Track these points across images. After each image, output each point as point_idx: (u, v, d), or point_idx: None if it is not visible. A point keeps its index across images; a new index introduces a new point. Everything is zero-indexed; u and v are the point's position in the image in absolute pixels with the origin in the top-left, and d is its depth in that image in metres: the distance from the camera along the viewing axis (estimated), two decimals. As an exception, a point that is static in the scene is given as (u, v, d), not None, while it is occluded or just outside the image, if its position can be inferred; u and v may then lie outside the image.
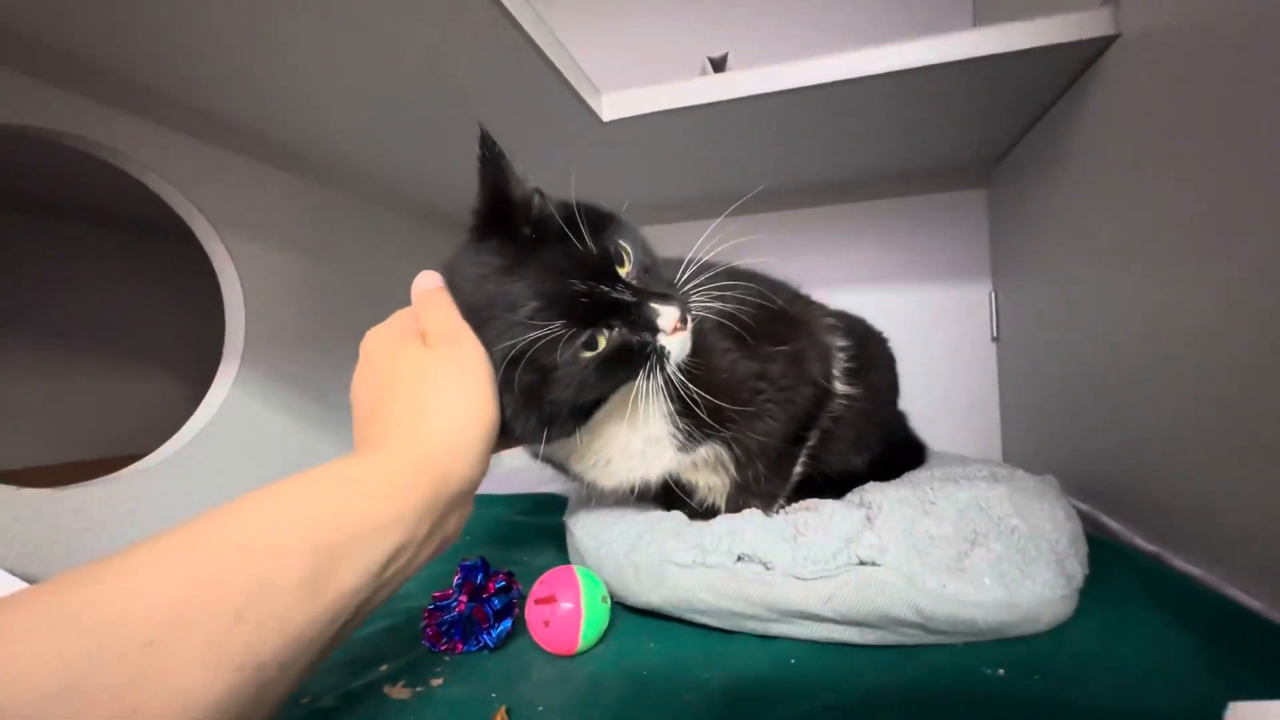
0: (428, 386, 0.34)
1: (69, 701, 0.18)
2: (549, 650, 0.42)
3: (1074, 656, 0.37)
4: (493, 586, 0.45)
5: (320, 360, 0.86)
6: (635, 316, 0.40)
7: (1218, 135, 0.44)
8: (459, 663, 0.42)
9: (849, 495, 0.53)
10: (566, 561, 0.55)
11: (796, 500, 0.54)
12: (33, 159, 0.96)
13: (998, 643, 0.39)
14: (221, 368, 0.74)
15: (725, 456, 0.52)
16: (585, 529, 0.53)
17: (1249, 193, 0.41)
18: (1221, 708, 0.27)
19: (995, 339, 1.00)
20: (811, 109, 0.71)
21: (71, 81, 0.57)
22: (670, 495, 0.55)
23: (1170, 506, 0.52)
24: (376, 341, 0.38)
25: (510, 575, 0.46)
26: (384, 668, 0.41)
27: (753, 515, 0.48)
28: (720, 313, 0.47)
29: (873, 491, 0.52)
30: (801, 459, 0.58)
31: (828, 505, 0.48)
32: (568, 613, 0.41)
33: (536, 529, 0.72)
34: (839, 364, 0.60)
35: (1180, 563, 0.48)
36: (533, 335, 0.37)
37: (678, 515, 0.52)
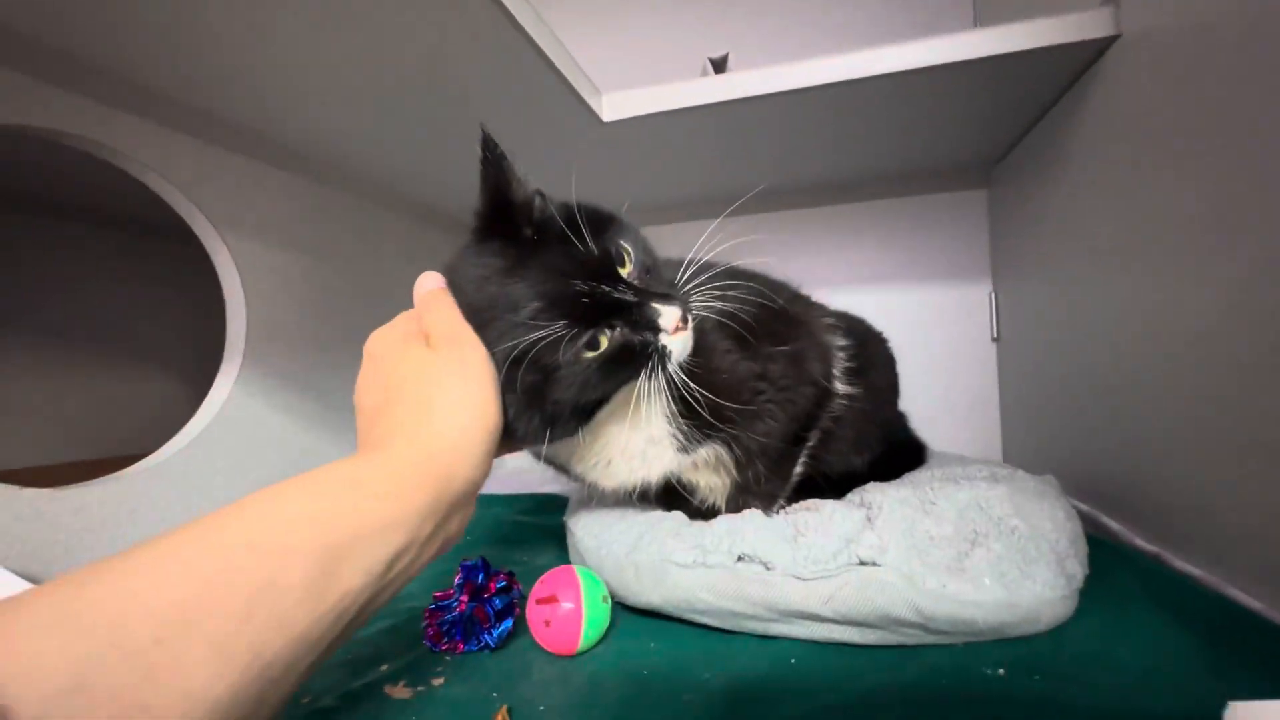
0: (431, 388, 0.34)
1: (79, 698, 0.18)
2: (550, 650, 0.42)
3: (1074, 656, 0.37)
4: (494, 586, 0.45)
5: (321, 360, 0.86)
6: (637, 316, 0.40)
7: (1218, 135, 0.44)
8: (460, 662, 0.42)
9: (849, 495, 0.54)
10: (567, 561, 0.55)
11: (797, 500, 0.54)
12: (33, 159, 0.96)
13: (998, 643, 0.39)
14: (223, 367, 0.74)
15: (726, 457, 0.52)
16: (586, 529, 0.54)
17: (1249, 193, 0.41)
18: (1221, 708, 0.27)
19: (995, 339, 1.00)
20: (812, 110, 0.71)
21: (72, 81, 0.57)
22: (671, 495, 0.55)
23: (1170, 506, 0.52)
24: (380, 343, 0.39)
25: (511, 575, 0.46)
26: (385, 667, 0.41)
27: (753, 515, 0.48)
28: (721, 312, 0.47)
29: (873, 492, 0.52)
30: (802, 459, 0.58)
31: (828, 505, 0.48)
32: (568, 613, 0.41)
33: (537, 529, 0.72)
34: (839, 364, 0.60)
35: (1180, 563, 0.48)
36: (535, 336, 0.37)
37: (678, 515, 0.52)
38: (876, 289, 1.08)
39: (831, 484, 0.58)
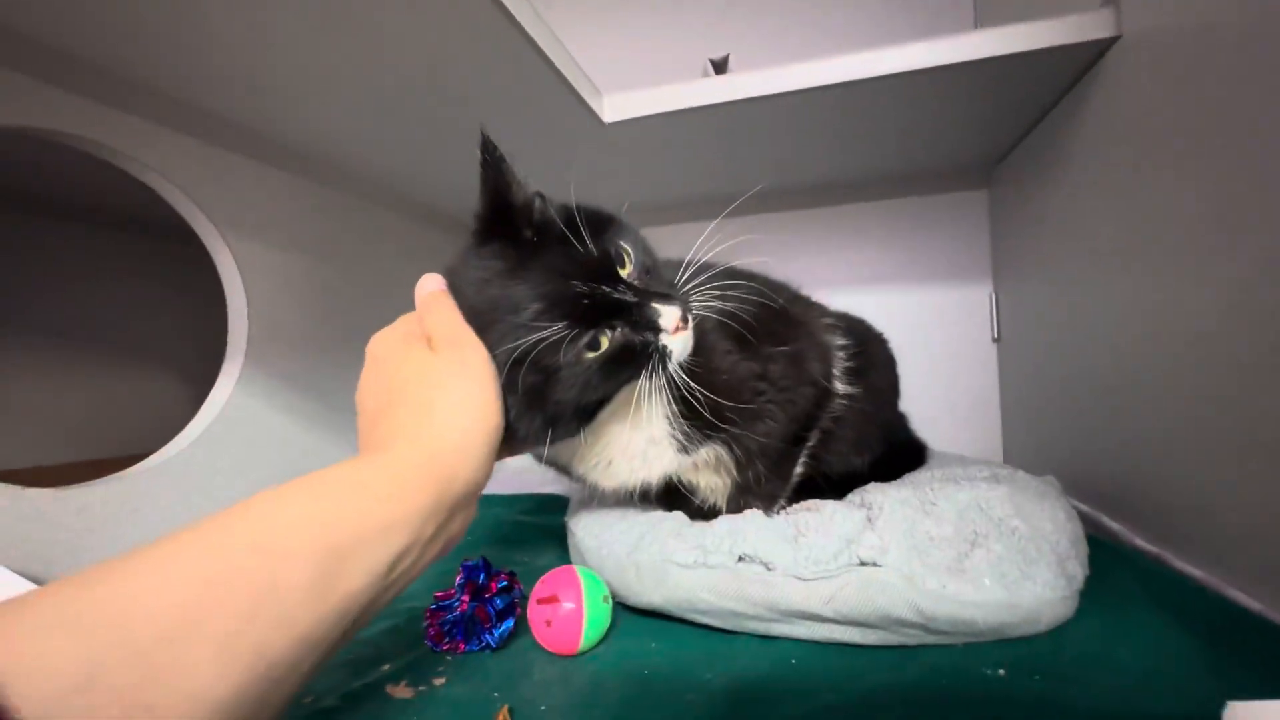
0: (432, 390, 0.34)
1: (84, 698, 0.18)
2: (551, 650, 0.42)
3: (1074, 657, 0.37)
4: (495, 586, 0.45)
5: (323, 360, 0.86)
6: (637, 316, 0.40)
7: (1218, 136, 0.44)
8: (461, 662, 0.42)
9: (850, 496, 0.54)
10: (568, 562, 0.55)
11: (798, 501, 0.54)
12: (33, 159, 0.96)
13: (998, 643, 0.39)
14: (224, 367, 0.74)
15: (726, 457, 0.52)
16: (587, 529, 0.54)
17: (1249, 193, 0.41)
18: (1222, 708, 0.27)
19: (996, 340, 1.00)
20: (813, 111, 0.72)
21: (73, 82, 0.57)
22: (672, 496, 0.55)
23: (1171, 507, 0.52)
24: (382, 345, 0.39)
25: (512, 575, 0.46)
26: (386, 667, 0.41)
27: (754, 516, 0.48)
28: (721, 313, 0.47)
29: (874, 492, 0.52)
30: (802, 459, 0.58)
31: (829, 506, 0.48)
32: (570, 613, 0.41)
33: (538, 529, 0.72)
34: (839, 363, 0.60)
35: (1181, 564, 0.48)
36: (536, 337, 0.37)
37: (679, 516, 0.52)
38: (877, 289, 1.08)
39: (832, 484, 0.58)
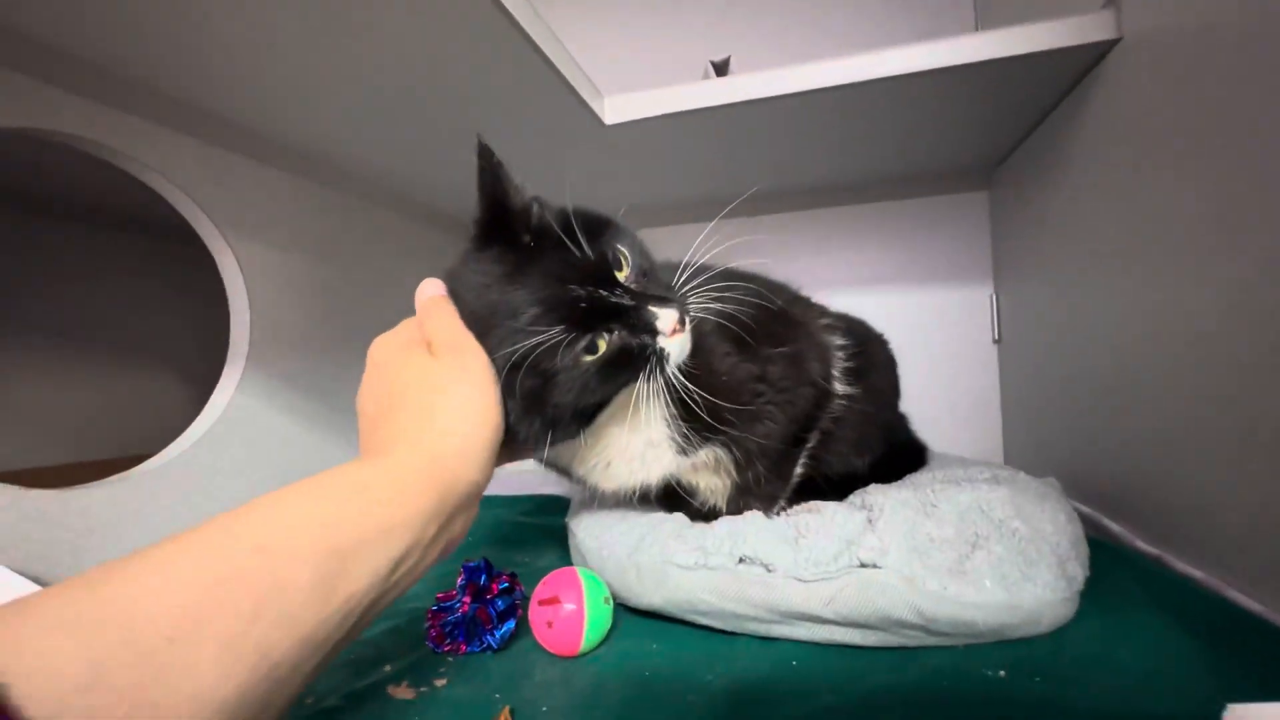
0: (433, 395, 0.35)
1: (90, 697, 0.18)
2: (552, 651, 0.42)
3: (1075, 658, 0.37)
4: (496, 588, 0.45)
5: (325, 361, 0.86)
6: (634, 319, 0.40)
7: (1218, 136, 0.44)
8: (462, 663, 0.42)
9: (850, 497, 0.54)
10: (569, 563, 0.56)
11: (798, 502, 0.54)
12: (33, 159, 0.96)
13: (999, 644, 0.39)
14: (226, 369, 0.74)
15: (725, 459, 0.52)
16: (587, 531, 0.54)
17: (1249, 193, 0.41)
18: (1222, 710, 0.27)
19: (997, 341, 1.00)
20: (814, 113, 0.72)
21: (74, 82, 0.57)
22: (672, 497, 0.55)
23: (1171, 508, 0.52)
24: (383, 350, 0.39)
25: (513, 576, 0.46)
26: (388, 668, 0.41)
27: (754, 517, 0.48)
28: (719, 314, 0.48)
29: (874, 493, 0.52)
30: (802, 460, 0.58)
31: (829, 507, 0.48)
32: (571, 614, 0.41)
33: (539, 530, 0.72)
34: (838, 364, 0.60)
35: (1181, 565, 0.49)
36: (534, 341, 0.37)
37: (679, 517, 0.52)
38: (878, 291, 1.08)
39: (832, 485, 0.58)
